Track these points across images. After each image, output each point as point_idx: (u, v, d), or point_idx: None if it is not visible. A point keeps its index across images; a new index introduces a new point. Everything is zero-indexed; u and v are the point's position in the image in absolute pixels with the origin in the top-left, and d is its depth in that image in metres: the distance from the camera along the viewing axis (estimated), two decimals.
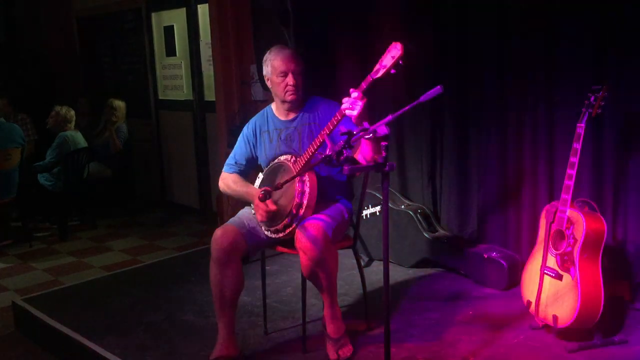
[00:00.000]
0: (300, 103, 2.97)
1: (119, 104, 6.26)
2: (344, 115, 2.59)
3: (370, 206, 4.06)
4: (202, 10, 5.64)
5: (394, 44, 2.43)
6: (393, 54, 2.43)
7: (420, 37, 3.82)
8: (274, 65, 2.89)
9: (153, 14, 6.45)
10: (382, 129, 2.28)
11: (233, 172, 3.08)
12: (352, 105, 2.51)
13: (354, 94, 2.52)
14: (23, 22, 7.61)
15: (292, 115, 2.99)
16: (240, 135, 3.11)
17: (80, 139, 5.86)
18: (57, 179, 5.68)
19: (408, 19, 3.90)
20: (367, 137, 2.37)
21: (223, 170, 3.12)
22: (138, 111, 6.69)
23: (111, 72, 7.28)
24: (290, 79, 2.87)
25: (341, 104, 2.58)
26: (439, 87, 2.20)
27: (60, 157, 5.64)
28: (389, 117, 2.28)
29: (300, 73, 2.89)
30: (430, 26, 3.84)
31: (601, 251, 2.82)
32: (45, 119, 5.87)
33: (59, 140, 5.70)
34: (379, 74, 2.48)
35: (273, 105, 3.05)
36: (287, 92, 2.89)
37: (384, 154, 2.26)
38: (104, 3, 6.99)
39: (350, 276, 3.57)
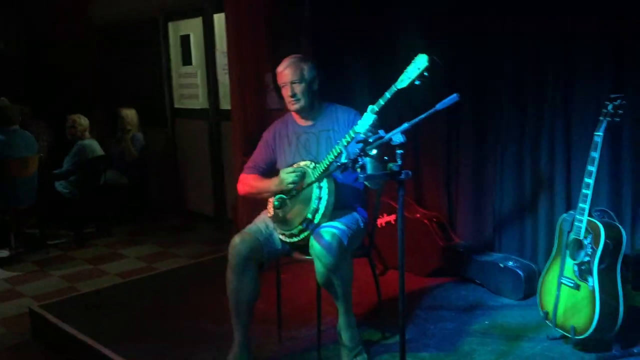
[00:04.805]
0: (310, 110, 2.99)
1: (127, 112, 6.29)
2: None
3: (385, 214, 4.04)
4: (218, 19, 5.68)
5: (420, 55, 2.42)
6: (419, 65, 2.42)
7: (437, 45, 3.82)
8: (277, 78, 2.97)
9: (170, 24, 6.50)
10: (398, 136, 2.28)
11: (252, 174, 3.10)
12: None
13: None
14: (41, 31, 7.72)
15: (311, 121, 3.01)
16: (261, 139, 3.14)
17: (97, 147, 5.91)
18: (74, 187, 5.73)
19: (426, 28, 3.90)
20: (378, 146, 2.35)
21: (242, 173, 3.13)
22: (154, 119, 6.74)
23: (128, 81, 7.34)
24: (288, 90, 2.91)
25: (359, 112, 2.58)
26: (455, 94, 2.19)
27: (78, 165, 5.69)
28: (405, 125, 2.27)
29: (301, 82, 2.91)
30: (447, 33, 3.84)
31: (620, 261, 2.79)
32: (61, 127, 5.93)
33: (77, 148, 5.76)
34: (404, 84, 2.48)
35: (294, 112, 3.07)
36: (288, 102, 2.95)
37: (399, 162, 2.25)
38: (121, 13, 7.07)
39: (365, 285, 3.55)
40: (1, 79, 6.87)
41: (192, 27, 6.18)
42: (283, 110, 3.74)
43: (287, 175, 2.85)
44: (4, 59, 7.65)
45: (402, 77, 2.48)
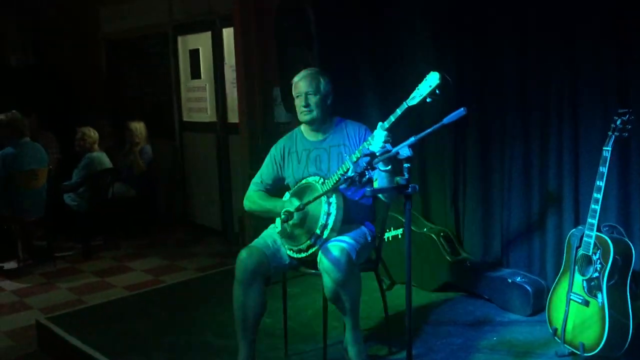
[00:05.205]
0: (321, 123, 3.00)
1: (136, 125, 6.33)
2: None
3: (392, 229, 4.03)
4: (227, 33, 5.73)
5: (432, 73, 2.43)
6: (430, 82, 2.42)
7: (443, 60, 3.83)
8: (292, 88, 2.99)
9: (179, 38, 6.56)
10: (405, 150, 2.28)
11: (259, 190, 3.10)
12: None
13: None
14: (50, 43, 7.80)
15: (321, 136, 3.02)
16: (268, 155, 3.14)
17: (105, 160, 5.94)
18: (82, 199, 5.75)
19: (432, 44, 3.92)
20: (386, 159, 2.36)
21: (249, 189, 3.14)
22: (162, 132, 6.77)
23: (137, 94, 7.40)
24: (302, 100, 2.93)
25: (369, 127, 2.58)
26: (462, 109, 2.19)
27: (87, 178, 5.72)
28: (412, 139, 2.27)
29: (316, 94, 2.92)
30: (454, 49, 3.85)
31: (629, 277, 2.76)
32: (69, 140, 5.96)
33: (85, 161, 5.79)
34: (415, 101, 2.48)
35: (302, 127, 3.08)
36: (300, 112, 2.96)
37: (406, 176, 2.25)
38: (131, 27, 7.14)
39: (372, 299, 3.53)
40: (10, 91, 6.94)
41: (202, 42, 6.22)
42: (291, 124, 3.75)
43: (292, 207, 2.82)
44: (13, 71, 7.74)
45: (413, 94, 2.48)
